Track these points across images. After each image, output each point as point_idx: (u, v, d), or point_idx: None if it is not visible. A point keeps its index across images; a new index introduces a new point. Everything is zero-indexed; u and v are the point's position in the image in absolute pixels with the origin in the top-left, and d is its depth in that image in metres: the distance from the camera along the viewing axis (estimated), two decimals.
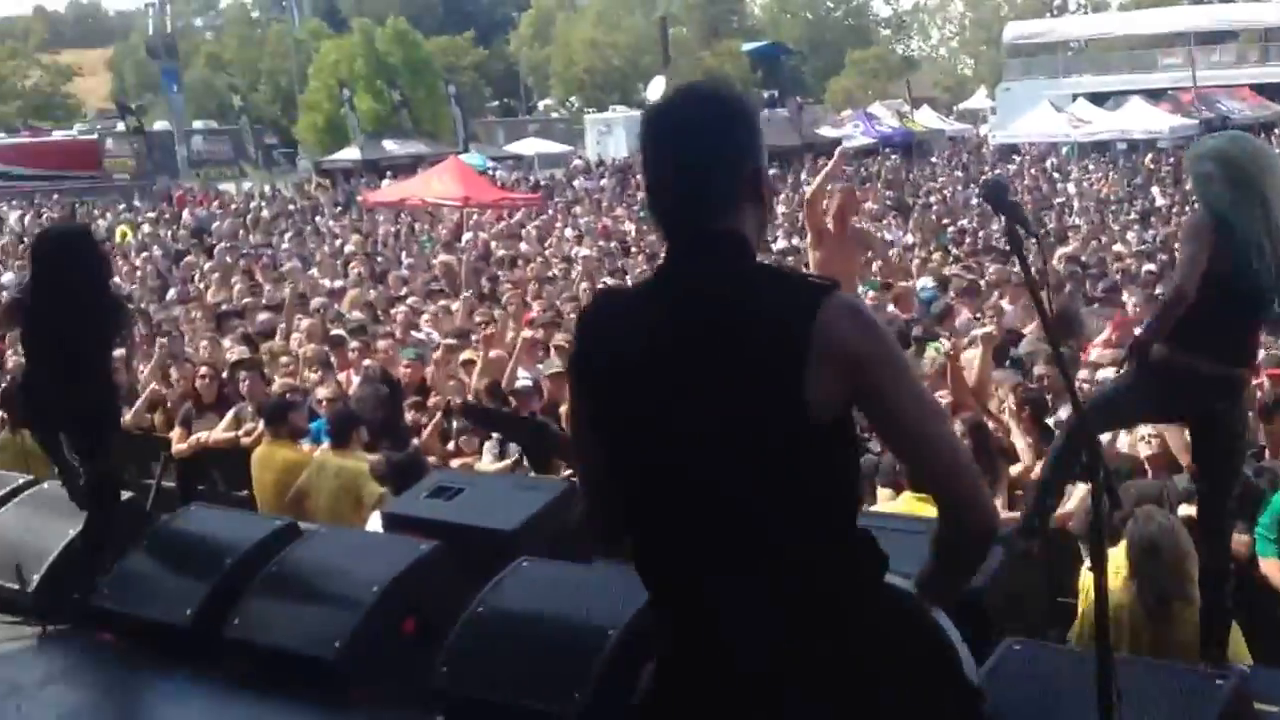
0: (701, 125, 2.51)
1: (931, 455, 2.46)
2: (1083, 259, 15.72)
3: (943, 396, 7.50)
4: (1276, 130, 45.16)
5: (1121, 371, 5.32)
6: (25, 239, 25.82)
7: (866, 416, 2.47)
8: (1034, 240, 3.34)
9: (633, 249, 21.22)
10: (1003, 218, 3.26)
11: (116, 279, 13.31)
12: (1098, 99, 50.40)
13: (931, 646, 2.60)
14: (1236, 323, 4.81)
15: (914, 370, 2.77)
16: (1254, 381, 6.26)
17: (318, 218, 31.00)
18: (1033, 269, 3.20)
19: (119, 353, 7.83)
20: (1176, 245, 15.63)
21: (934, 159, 46.79)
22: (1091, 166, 37.33)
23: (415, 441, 8.68)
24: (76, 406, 6.28)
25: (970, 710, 2.68)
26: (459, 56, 79.09)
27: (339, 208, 33.77)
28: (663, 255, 2.59)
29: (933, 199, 30.25)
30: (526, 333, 10.31)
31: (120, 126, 56.72)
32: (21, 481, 7.06)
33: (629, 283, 15.69)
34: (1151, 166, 35.48)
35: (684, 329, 2.44)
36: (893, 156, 45.97)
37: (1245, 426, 5.14)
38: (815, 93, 77.08)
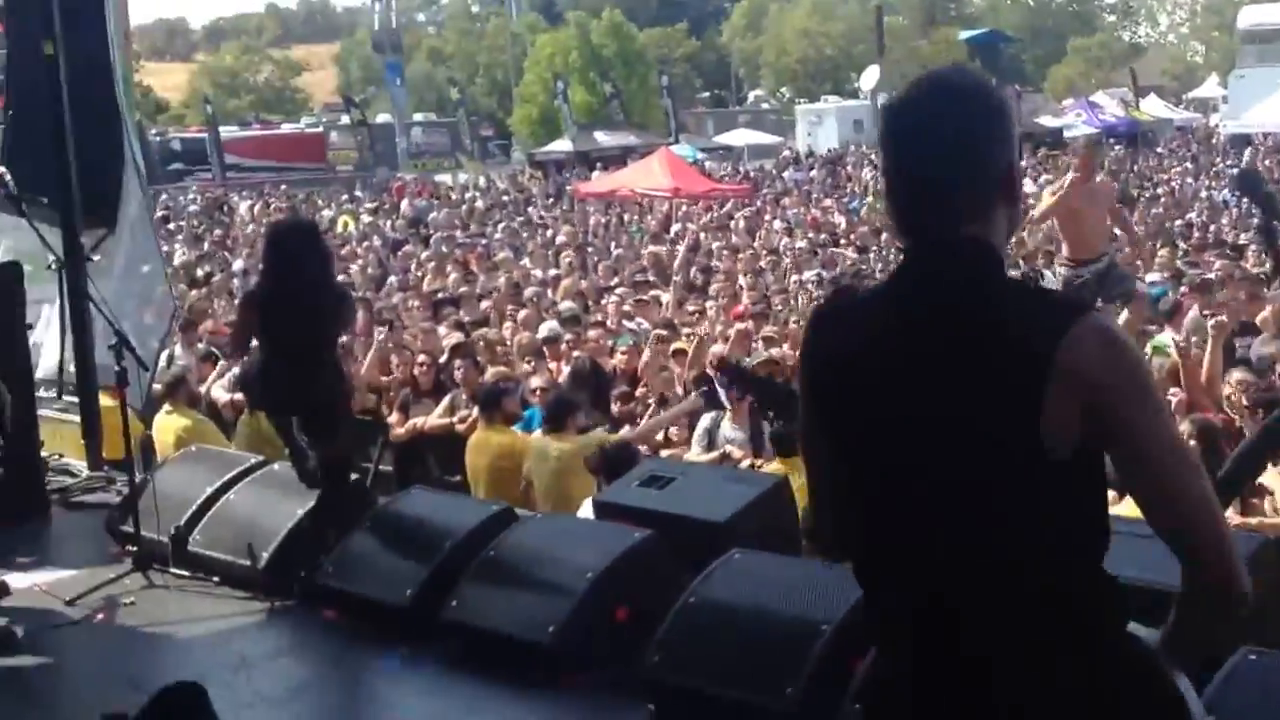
0: (952, 119, 2.33)
1: (1170, 501, 2.25)
2: None
3: (1174, 396, 7.23)
4: None
5: None
6: (253, 227, 26.99)
7: (1108, 453, 2.27)
8: None
9: (842, 241, 21.01)
10: (1257, 209, 3.12)
11: (340, 269, 13.76)
12: None
13: (1166, 698, 2.37)
14: None
15: (1168, 410, 2.42)
16: None
17: (530, 208, 31.55)
18: None
19: (345, 340, 8.13)
20: None
21: (1160, 149, 45.03)
22: None
23: (626, 430, 8.76)
24: (309, 393, 6.50)
25: None
26: (672, 48, 79.55)
27: (550, 199, 34.30)
28: (901, 257, 2.44)
29: (1160, 191, 29.13)
30: (738, 325, 10.30)
31: (344, 119, 58.78)
32: (254, 462, 7.33)
33: (836, 275, 15.58)
34: None
35: (924, 342, 2.30)
36: (1117, 147, 44.41)
37: None
38: (1035, 81, 75.00)
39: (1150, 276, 13.25)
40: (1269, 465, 5.46)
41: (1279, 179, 30.40)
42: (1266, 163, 35.08)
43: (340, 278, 7.49)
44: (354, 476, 7.10)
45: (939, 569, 2.32)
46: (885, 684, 2.52)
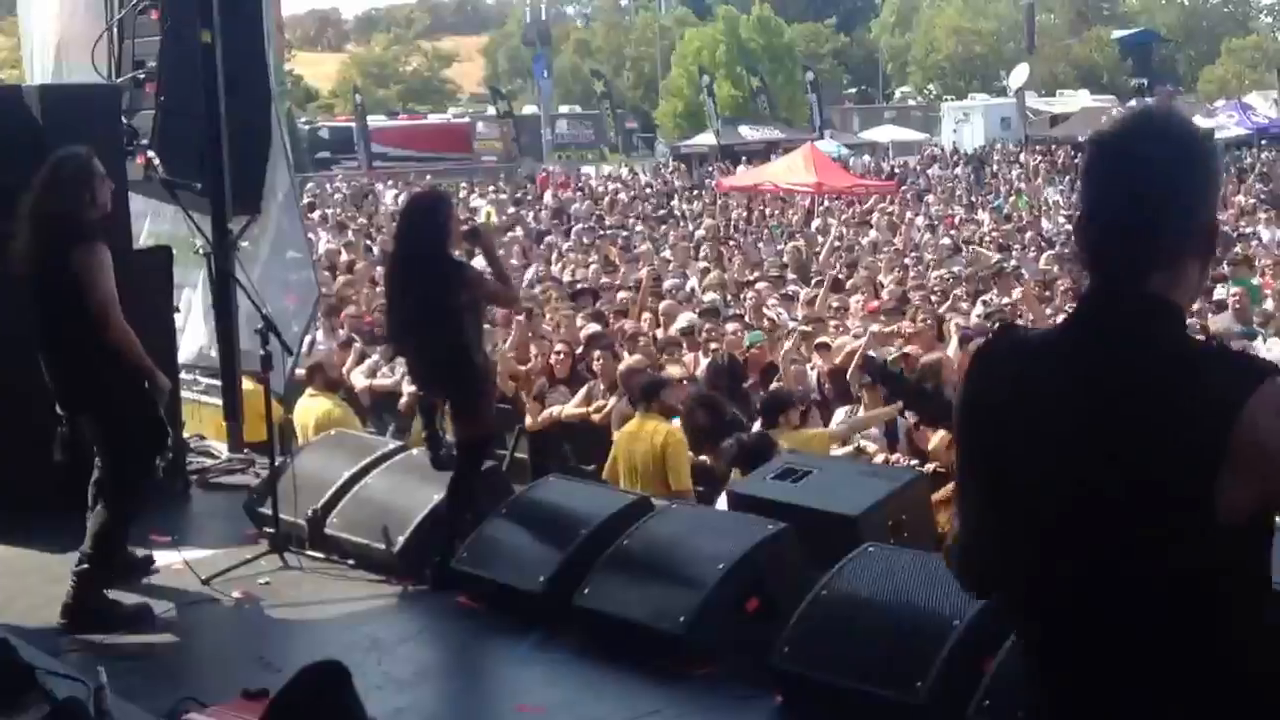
0: (1162, 164, 2.22)
1: None
2: None
3: None
4: None
5: None
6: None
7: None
8: None
9: (985, 239, 20.66)
10: None
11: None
12: None
13: None
14: None
15: None
16: None
17: (672, 201, 31.62)
18: None
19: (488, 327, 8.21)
20: None
21: None
22: None
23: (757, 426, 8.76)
24: (431, 364, 6.61)
25: None
26: (820, 43, 79.02)
27: (694, 191, 34.33)
28: (1083, 300, 2.34)
29: None
30: (875, 326, 10.19)
31: (491, 111, 59.46)
32: (392, 447, 7.46)
33: (974, 273, 15.34)
34: None
35: (1095, 400, 2.20)
36: (1269, 149, 42.97)
37: None
38: (1187, 82, 72.91)
39: None
40: None
41: None
42: None
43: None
44: (491, 463, 7.18)
45: (1090, 632, 2.26)
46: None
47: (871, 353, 9.31)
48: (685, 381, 9.12)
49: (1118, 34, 75.89)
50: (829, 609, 5.13)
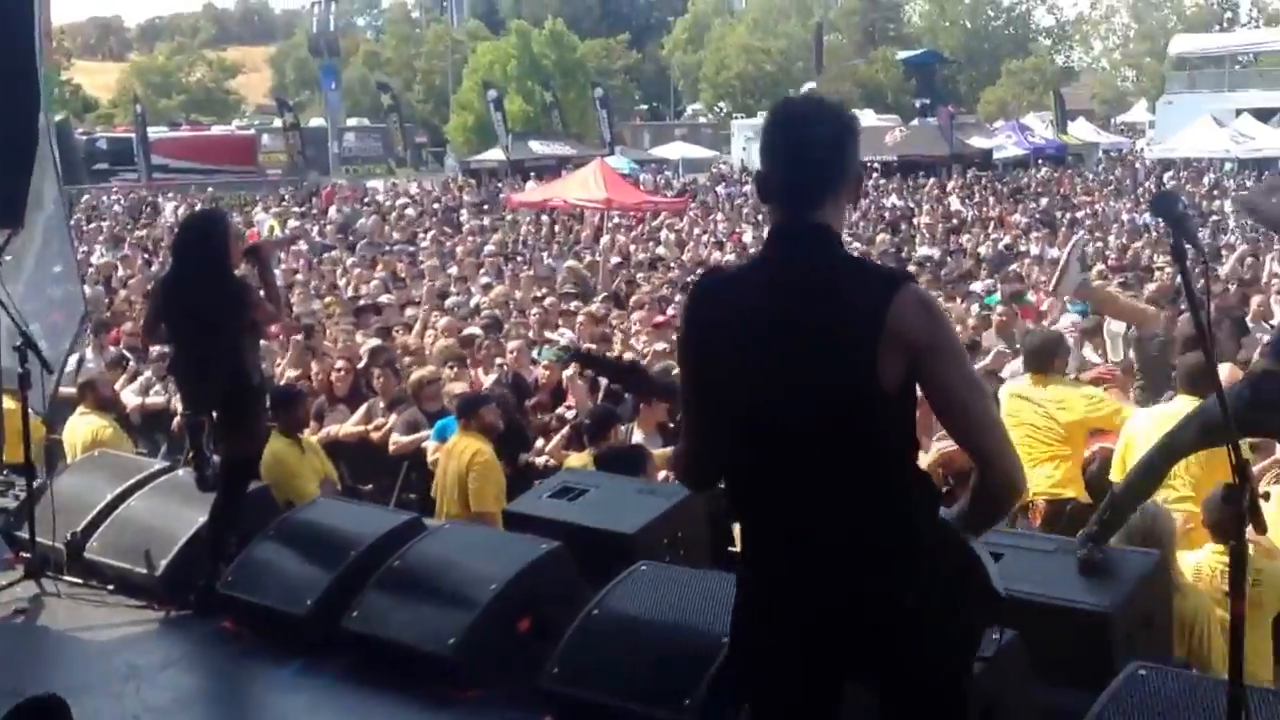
0: (821, 135, 3.03)
1: (970, 426, 2.99)
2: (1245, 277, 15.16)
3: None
4: None
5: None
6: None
7: (922, 388, 2.96)
8: (1201, 257, 3.57)
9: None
10: (1170, 230, 3.30)
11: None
12: (1263, 115, 48.65)
13: (968, 558, 3.13)
14: None
15: (964, 355, 3.15)
16: None
17: (461, 217, 31.37)
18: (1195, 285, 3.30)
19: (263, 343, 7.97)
20: None
21: (1088, 173, 45.64)
22: (1250, 184, 36.04)
23: (540, 442, 8.71)
24: (208, 384, 6.40)
25: (993, 608, 3.21)
26: (612, 59, 79.57)
27: (485, 207, 34.14)
28: (770, 234, 3.10)
29: (1082, 214, 29.51)
30: (660, 344, 10.19)
31: (277, 123, 58.18)
32: (158, 468, 7.21)
33: None
34: None
35: (784, 303, 2.96)
36: (1044, 169, 45.02)
37: None
38: (969, 102, 75.79)
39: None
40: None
41: (1199, 203, 31.01)
42: (1189, 187, 35.73)
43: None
44: (260, 484, 6.98)
45: (802, 487, 2.99)
46: (756, 595, 3.15)
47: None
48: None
49: (902, 55, 78.33)
50: (601, 628, 5.10)
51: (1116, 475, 6.80)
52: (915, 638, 3.00)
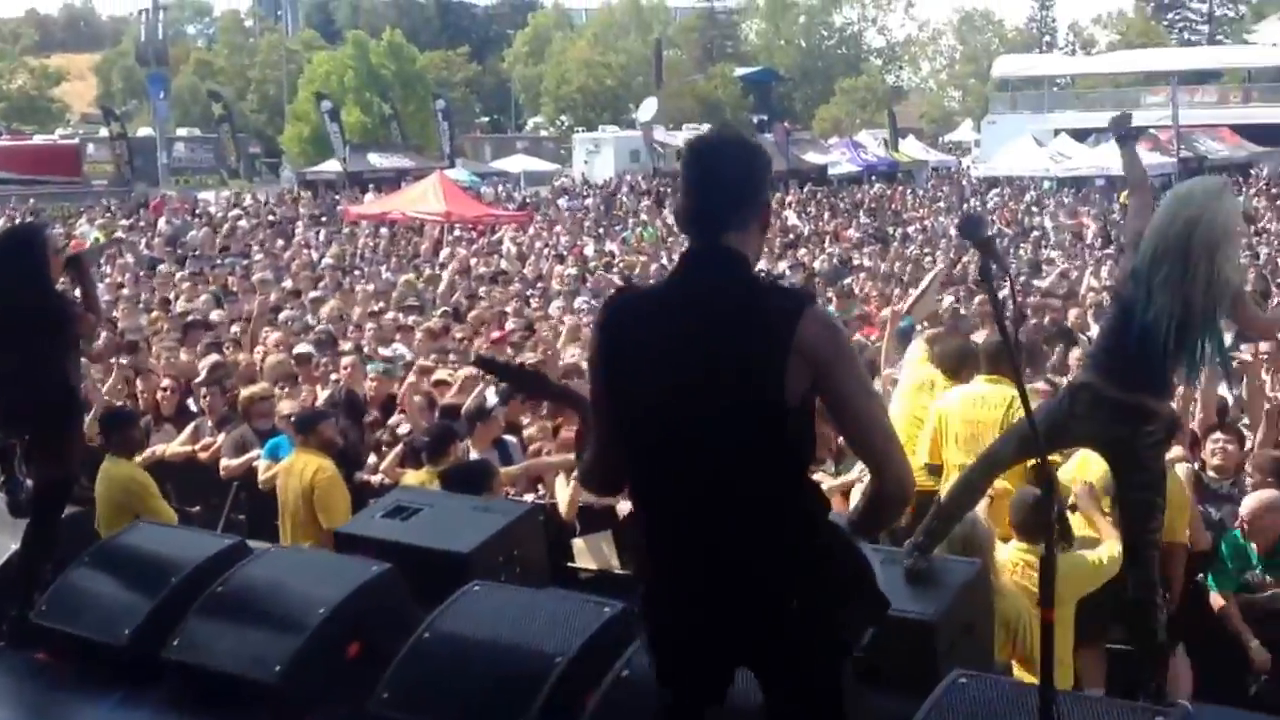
0: (729, 166, 3.28)
1: (866, 432, 3.23)
2: (1060, 292, 15.67)
3: None
4: (1252, 171, 45.39)
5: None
6: None
7: (822, 400, 3.19)
8: (1006, 275, 3.72)
9: (613, 269, 21.06)
10: (977, 252, 3.48)
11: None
12: (1080, 135, 50.47)
13: (856, 561, 3.34)
14: (1139, 352, 4.91)
15: (862, 370, 3.40)
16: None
17: (296, 229, 30.76)
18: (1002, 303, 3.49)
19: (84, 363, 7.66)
20: None
21: (918, 189, 46.79)
22: (1068, 200, 37.34)
23: (373, 459, 8.55)
24: (26, 408, 6.14)
25: (878, 610, 3.40)
26: (452, 71, 79.07)
27: (324, 219, 33.53)
28: (683, 257, 3.33)
29: (912, 229, 30.22)
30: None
31: (103, 132, 56.39)
32: None
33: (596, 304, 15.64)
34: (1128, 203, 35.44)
35: (695, 322, 3.17)
36: (877, 185, 46.03)
37: (1156, 459, 5.17)
38: (804, 119, 77.17)
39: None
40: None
41: (1021, 219, 32.02)
42: (1011, 204, 36.86)
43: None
44: (76, 509, 6.71)
45: (706, 495, 3.21)
46: (656, 596, 3.39)
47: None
48: None
49: (740, 72, 79.52)
50: (432, 651, 5.01)
51: (924, 453, 7.06)
52: (803, 636, 3.24)
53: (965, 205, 36.91)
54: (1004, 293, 3.58)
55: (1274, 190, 38.04)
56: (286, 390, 9.63)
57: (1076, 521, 5.90)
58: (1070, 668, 5.69)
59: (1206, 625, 6.24)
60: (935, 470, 7.00)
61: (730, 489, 3.20)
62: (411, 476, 7.87)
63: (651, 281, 9.47)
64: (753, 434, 3.14)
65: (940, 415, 7.11)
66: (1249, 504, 6.34)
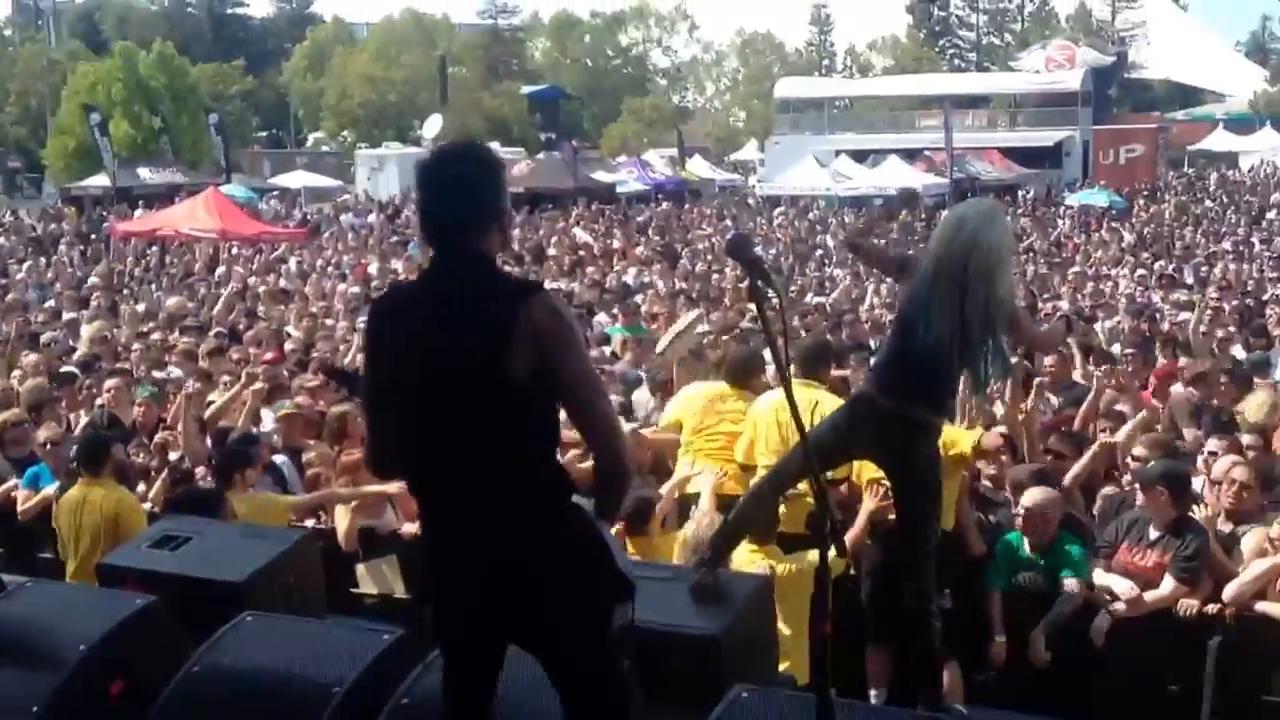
0: (463, 175, 3.57)
1: (587, 414, 3.52)
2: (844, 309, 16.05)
3: None
4: (1020, 191, 47.47)
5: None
6: None
7: (549, 384, 3.45)
8: (776, 293, 3.81)
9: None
10: (746, 271, 3.63)
11: None
12: (859, 156, 51.99)
13: (595, 542, 3.56)
14: (919, 369, 5.02)
15: (587, 355, 3.75)
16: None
17: (61, 247, 29.41)
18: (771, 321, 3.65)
19: None
20: None
21: (706, 208, 47.39)
22: (849, 219, 38.32)
23: (141, 487, 8.15)
24: None
25: (621, 588, 3.59)
26: (227, 84, 76.93)
27: (92, 237, 32.13)
28: (431, 260, 3.66)
29: (702, 246, 30.59)
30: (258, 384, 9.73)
31: None
32: None
33: None
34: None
35: (436, 312, 3.51)
36: (665, 204, 46.52)
37: (931, 471, 5.29)
38: (592, 138, 77.62)
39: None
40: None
41: (805, 238, 32.76)
42: (796, 223, 37.70)
43: None
44: None
45: (454, 471, 3.51)
46: (430, 562, 3.69)
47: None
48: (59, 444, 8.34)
49: (526, 89, 79.50)
50: (202, 686, 4.82)
51: (740, 455, 7.10)
52: (553, 613, 3.49)
53: (752, 223, 37.59)
54: (774, 311, 3.67)
55: (1039, 211, 39.75)
56: (41, 416, 9.13)
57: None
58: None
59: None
60: (750, 471, 7.02)
61: (472, 469, 3.48)
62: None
63: None
64: (487, 415, 3.44)
65: (752, 420, 7.16)
66: (1026, 501, 6.61)
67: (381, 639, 4.89)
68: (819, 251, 28.78)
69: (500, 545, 3.49)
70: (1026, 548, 6.66)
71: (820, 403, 6.47)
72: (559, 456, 3.70)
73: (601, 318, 15.96)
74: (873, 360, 5.32)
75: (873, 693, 6.35)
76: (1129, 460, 7.63)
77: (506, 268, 3.87)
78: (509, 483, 3.49)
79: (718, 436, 7.43)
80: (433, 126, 54.95)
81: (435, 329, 3.49)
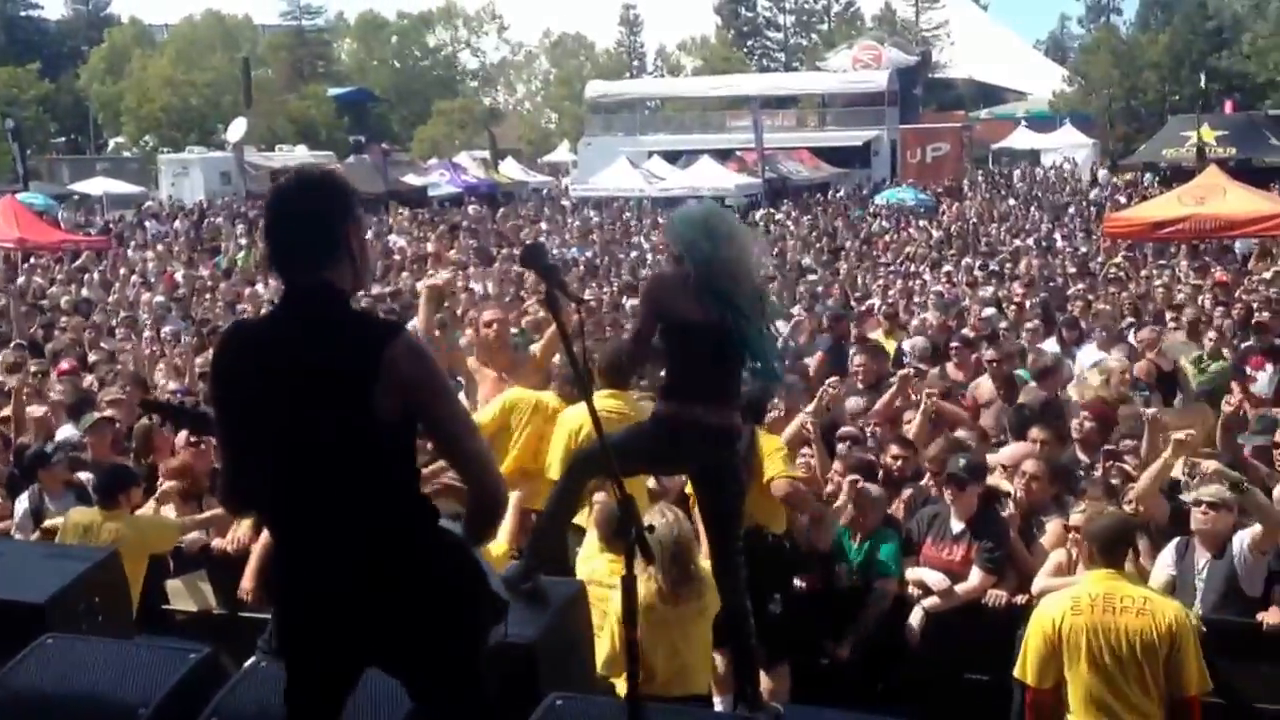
0: (306, 206, 3.54)
1: (460, 454, 3.56)
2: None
3: None
4: (830, 191, 48.50)
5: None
6: None
7: (420, 424, 3.47)
8: (571, 300, 3.96)
9: (208, 295, 20.22)
10: (541, 280, 3.78)
11: None
12: (671, 157, 52.52)
13: (469, 566, 3.60)
14: (715, 373, 5.09)
15: (452, 391, 3.70)
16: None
17: None
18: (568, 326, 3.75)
19: None
20: None
21: (520, 210, 47.30)
22: (662, 220, 38.63)
23: None
24: None
25: (497, 611, 3.70)
26: (23, 89, 73.94)
27: None
28: (282, 294, 3.60)
29: (516, 250, 30.54)
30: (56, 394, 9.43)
31: None
32: None
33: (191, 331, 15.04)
34: None
35: (292, 353, 3.42)
36: (475, 206, 46.31)
37: (740, 471, 5.43)
38: (402, 141, 76.86)
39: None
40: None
41: (620, 239, 32.99)
42: (613, 223, 37.94)
43: None
44: None
45: (316, 507, 3.47)
46: (287, 604, 3.64)
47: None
48: None
49: (334, 91, 78.32)
50: (2, 710, 4.66)
51: (555, 467, 7.09)
52: (424, 636, 3.51)
53: (566, 226, 37.69)
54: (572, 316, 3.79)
55: (850, 211, 40.57)
56: None
57: None
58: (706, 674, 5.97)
59: None
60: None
61: (339, 506, 3.47)
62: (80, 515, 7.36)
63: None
64: (351, 449, 3.42)
65: (565, 430, 7.23)
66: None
67: (188, 658, 4.81)
68: (634, 254, 29.01)
69: (370, 577, 3.47)
70: (853, 541, 6.86)
71: (632, 412, 6.58)
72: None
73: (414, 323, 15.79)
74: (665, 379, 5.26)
75: (717, 700, 6.37)
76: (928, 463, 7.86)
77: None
78: (377, 516, 3.48)
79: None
80: (237, 130, 53.57)
81: (297, 369, 3.42)
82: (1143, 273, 20.41)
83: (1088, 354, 11.89)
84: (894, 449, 8.01)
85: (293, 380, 3.41)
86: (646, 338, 5.18)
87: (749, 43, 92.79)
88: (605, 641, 5.66)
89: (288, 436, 3.45)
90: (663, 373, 5.31)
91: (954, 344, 11.52)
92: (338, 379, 3.38)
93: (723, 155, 50.84)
